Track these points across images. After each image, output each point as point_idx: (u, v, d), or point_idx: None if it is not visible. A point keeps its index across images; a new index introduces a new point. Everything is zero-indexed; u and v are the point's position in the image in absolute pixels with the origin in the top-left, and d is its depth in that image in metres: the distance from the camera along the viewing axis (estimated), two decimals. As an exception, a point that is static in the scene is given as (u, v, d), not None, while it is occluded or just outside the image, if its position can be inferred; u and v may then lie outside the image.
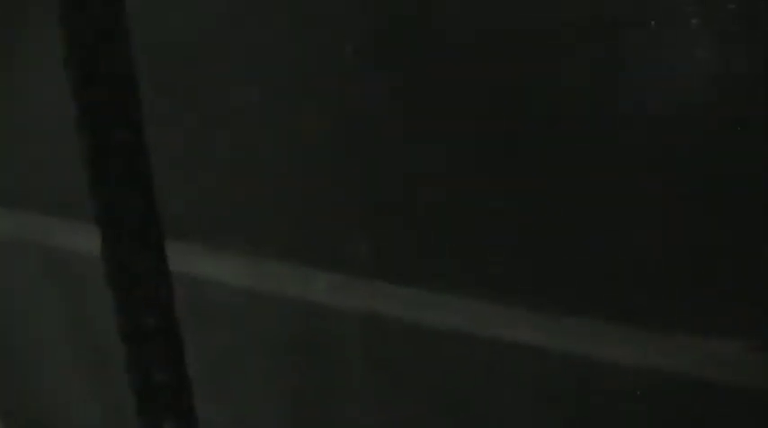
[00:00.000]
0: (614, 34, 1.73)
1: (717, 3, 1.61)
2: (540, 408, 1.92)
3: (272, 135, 2.21)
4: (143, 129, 0.90)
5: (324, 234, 2.19)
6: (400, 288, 2.09)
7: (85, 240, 2.59)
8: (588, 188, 1.82)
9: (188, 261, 2.33)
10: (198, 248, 2.35)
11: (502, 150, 1.91)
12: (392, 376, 2.13)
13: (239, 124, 2.25)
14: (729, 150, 1.67)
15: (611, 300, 1.84)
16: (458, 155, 1.96)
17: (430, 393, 2.08)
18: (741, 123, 1.64)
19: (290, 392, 2.33)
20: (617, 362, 1.83)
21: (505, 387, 1.96)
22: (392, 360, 2.12)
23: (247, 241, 2.31)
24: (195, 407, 1.05)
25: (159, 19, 2.26)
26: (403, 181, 2.05)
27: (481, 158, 1.94)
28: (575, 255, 1.87)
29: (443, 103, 1.95)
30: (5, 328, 3.03)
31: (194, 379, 2.41)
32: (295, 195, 2.22)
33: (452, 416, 2.05)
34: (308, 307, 2.21)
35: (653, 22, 1.68)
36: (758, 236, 1.68)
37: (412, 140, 2.01)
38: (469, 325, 1.98)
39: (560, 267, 1.88)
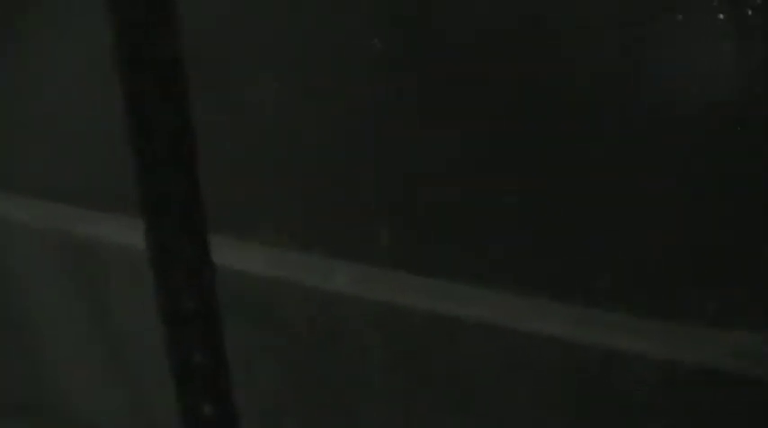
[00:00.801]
0: (624, 32, 1.74)
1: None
2: (561, 399, 1.93)
3: (297, 129, 2.22)
4: (190, 114, 0.92)
5: (345, 226, 2.20)
6: (421, 278, 2.09)
7: (108, 230, 2.62)
8: (615, 186, 1.83)
9: (213, 251, 2.34)
10: (223, 239, 2.36)
11: (525, 145, 1.91)
12: (412, 366, 2.13)
13: (263, 115, 2.26)
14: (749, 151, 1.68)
15: (634, 293, 1.85)
16: (480, 149, 1.97)
17: (450, 383, 2.09)
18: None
19: (310, 381, 2.33)
20: (638, 353, 1.83)
21: (527, 378, 1.96)
22: (413, 350, 2.12)
23: (271, 232, 2.32)
24: (233, 391, 1.07)
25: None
26: (424, 174, 2.05)
27: (505, 152, 1.94)
28: (598, 249, 1.87)
29: (464, 100, 1.95)
30: (27, 315, 3.04)
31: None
32: (317, 188, 2.23)
33: (473, 407, 2.06)
34: (330, 297, 2.21)
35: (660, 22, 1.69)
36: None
37: (434, 135, 2.02)
38: (491, 315, 1.98)
39: (584, 260, 1.89)
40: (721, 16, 1.64)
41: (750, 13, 1.61)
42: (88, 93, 2.58)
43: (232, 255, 2.29)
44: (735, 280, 1.76)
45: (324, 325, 2.24)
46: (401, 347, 2.14)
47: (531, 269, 1.96)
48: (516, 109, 1.91)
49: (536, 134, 1.89)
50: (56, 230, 2.78)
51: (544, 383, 1.94)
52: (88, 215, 2.72)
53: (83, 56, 2.57)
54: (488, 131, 1.95)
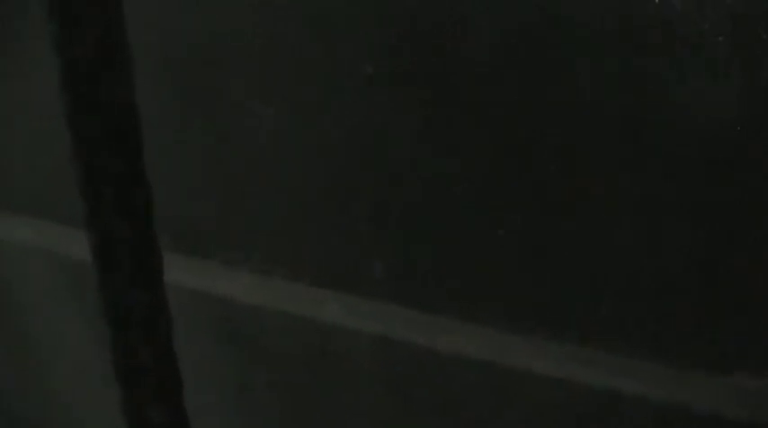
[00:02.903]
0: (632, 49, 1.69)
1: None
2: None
3: (288, 153, 2.18)
4: (142, 159, 0.86)
5: (338, 254, 2.16)
6: (414, 312, 2.06)
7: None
8: (614, 225, 1.79)
9: (204, 277, 2.32)
10: (214, 265, 2.33)
11: (522, 179, 1.87)
12: (403, 401, 2.10)
13: (255, 141, 2.22)
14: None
15: (631, 334, 1.80)
16: (476, 181, 1.93)
17: (442, 420, 2.05)
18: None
19: (300, 412, 2.30)
20: (636, 396, 1.80)
21: (520, 417, 1.93)
22: (404, 384, 2.09)
23: (261, 259, 2.28)
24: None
25: (176, 26, 2.23)
26: (419, 204, 2.01)
27: (501, 185, 1.90)
28: (595, 287, 1.83)
29: (460, 127, 1.91)
30: (23, 334, 3.02)
31: (208, 394, 2.39)
32: (310, 215, 2.19)
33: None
34: (321, 327, 2.18)
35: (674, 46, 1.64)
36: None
37: (428, 163, 1.98)
38: (484, 352, 1.95)
39: (580, 298, 1.85)
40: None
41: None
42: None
43: (220, 282, 2.26)
44: (737, 322, 1.72)
45: (313, 355, 2.21)
46: (392, 381, 2.11)
47: (526, 306, 1.92)
48: (515, 141, 1.87)
49: (534, 167, 1.85)
50: (50, 250, 2.75)
51: (537, 422, 1.90)
52: (82, 235, 2.68)
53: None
54: (485, 163, 1.91)
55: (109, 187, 0.85)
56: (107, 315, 0.95)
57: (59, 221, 2.75)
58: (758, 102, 1.60)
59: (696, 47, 1.62)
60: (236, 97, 2.21)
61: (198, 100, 2.25)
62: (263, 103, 2.14)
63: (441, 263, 2.01)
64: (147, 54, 2.22)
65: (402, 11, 1.91)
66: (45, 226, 2.82)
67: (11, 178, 2.89)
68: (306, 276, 2.21)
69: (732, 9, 1.57)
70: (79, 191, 0.87)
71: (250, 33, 2.11)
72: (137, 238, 0.88)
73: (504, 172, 1.89)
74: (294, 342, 2.23)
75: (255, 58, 2.15)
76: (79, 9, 0.80)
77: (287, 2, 2.05)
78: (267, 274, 2.26)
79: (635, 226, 1.77)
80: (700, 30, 1.61)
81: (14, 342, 3.04)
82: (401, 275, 2.07)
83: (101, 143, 0.83)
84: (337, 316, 2.14)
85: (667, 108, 1.67)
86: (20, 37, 2.66)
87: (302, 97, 2.12)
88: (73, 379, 2.92)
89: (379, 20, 1.93)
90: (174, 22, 2.22)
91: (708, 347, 1.74)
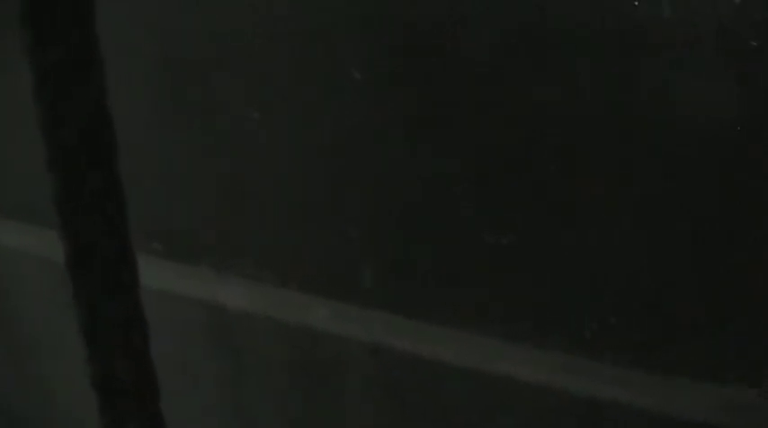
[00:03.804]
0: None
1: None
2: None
3: (279, 163, 2.18)
4: (116, 168, 0.85)
5: (328, 261, 2.15)
6: (403, 319, 2.05)
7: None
8: (605, 233, 1.78)
9: (195, 284, 2.31)
10: (204, 271, 2.32)
11: (513, 188, 1.86)
12: (392, 407, 2.09)
13: (247, 150, 2.21)
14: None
15: (624, 343, 1.79)
16: (466, 190, 1.92)
17: (430, 426, 2.04)
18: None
19: (291, 417, 2.29)
20: (627, 405, 1.78)
21: (507, 425, 1.91)
22: (393, 391, 2.08)
23: (252, 266, 2.27)
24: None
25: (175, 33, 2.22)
26: (409, 212, 2.01)
27: (492, 194, 1.89)
28: (585, 296, 1.82)
29: (450, 135, 1.90)
30: (21, 341, 3.02)
31: (199, 399, 2.38)
32: (300, 222, 2.19)
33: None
34: (311, 333, 2.17)
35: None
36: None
37: (420, 173, 1.97)
38: (472, 360, 1.93)
39: (572, 307, 1.84)
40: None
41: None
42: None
43: (211, 288, 2.25)
44: (729, 332, 1.71)
45: (303, 360, 2.20)
46: (380, 387, 2.10)
47: (516, 314, 1.91)
48: (506, 147, 1.86)
49: (525, 176, 1.84)
50: (47, 256, 2.74)
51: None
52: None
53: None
54: (475, 171, 1.90)
55: (83, 197, 0.84)
56: (81, 326, 0.94)
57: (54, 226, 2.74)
58: (755, 103, 1.59)
59: (691, 50, 1.61)
60: (229, 104, 2.21)
61: (191, 105, 2.25)
62: (256, 111, 2.14)
63: (429, 271, 2.00)
64: (144, 56, 2.21)
65: (400, 13, 1.90)
66: (41, 230, 2.81)
67: (6, 183, 2.89)
68: (295, 282, 2.20)
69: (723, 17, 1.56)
70: (53, 201, 0.86)
71: (249, 34, 2.10)
72: (111, 248, 0.87)
73: (493, 182, 1.89)
74: (283, 347, 2.22)
75: (250, 63, 2.14)
76: (52, 18, 0.79)
77: (286, 8, 2.05)
78: (257, 280, 2.25)
79: (630, 231, 1.76)
80: (693, 34, 1.60)
81: (14, 343, 3.04)
82: (390, 283, 2.06)
83: (75, 153, 0.82)
84: (326, 322, 2.13)
85: (667, 108, 1.66)
86: (12, 41, 2.65)
87: (293, 105, 2.11)
88: (73, 380, 2.90)
89: (377, 21, 1.92)
90: (174, 23, 2.21)
91: (702, 358, 1.73)
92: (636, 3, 1.61)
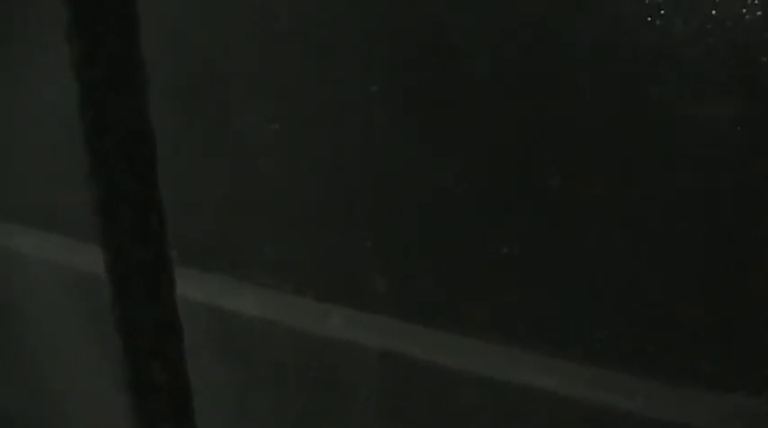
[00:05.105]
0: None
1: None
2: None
3: (292, 171, 2.19)
4: (156, 180, 0.87)
5: (341, 269, 2.16)
6: (415, 326, 2.06)
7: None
8: (614, 244, 1.79)
9: (208, 291, 2.32)
10: (218, 279, 2.34)
11: (525, 196, 1.88)
12: (403, 414, 2.10)
13: (259, 157, 2.23)
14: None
15: (632, 352, 1.80)
16: (478, 198, 1.94)
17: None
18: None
19: (302, 424, 2.30)
20: (635, 413, 1.79)
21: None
22: (404, 398, 2.09)
23: (265, 274, 2.29)
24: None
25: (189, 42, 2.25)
26: (422, 221, 2.02)
27: (503, 202, 1.91)
28: (597, 305, 1.83)
29: (462, 146, 1.92)
30: (32, 344, 3.02)
31: (213, 405, 2.39)
32: (313, 230, 2.20)
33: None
34: (323, 340, 2.18)
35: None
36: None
37: (432, 181, 1.98)
38: (484, 367, 1.94)
39: (582, 316, 1.85)
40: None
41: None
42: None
43: (225, 296, 2.27)
44: (735, 341, 1.72)
45: (315, 367, 2.21)
46: (392, 394, 2.11)
47: (527, 323, 1.92)
48: (516, 155, 1.88)
49: (536, 184, 1.86)
50: (56, 261, 2.75)
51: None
52: (88, 247, 2.68)
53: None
54: (486, 180, 1.92)
55: (124, 208, 0.87)
56: (120, 331, 0.96)
57: (64, 233, 2.76)
58: (757, 106, 1.61)
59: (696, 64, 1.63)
60: (242, 114, 2.22)
61: (205, 115, 2.27)
62: (268, 121, 2.16)
63: (441, 279, 2.01)
64: (152, 69, 2.23)
65: (402, 23, 1.92)
66: (50, 237, 2.82)
67: (19, 191, 2.90)
68: (309, 290, 2.21)
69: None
70: (94, 211, 0.89)
71: (261, 45, 2.12)
72: (150, 258, 0.89)
73: (505, 192, 1.90)
74: (296, 354, 2.23)
75: (259, 74, 2.16)
76: (99, 32, 0.82)
77: (289, 22, 2.06)
78: (271, 288, 2.26)
79: (636, 239, 1.77)
80: (700, 48, 1.62)
81: (14, 344, 3.04)
82: (402, 290, 2.07)
83: (117, 164, 0.85)
84: (339, 329, 2.14)
85: (671, 112, 1.68)
86: (25, 51, 2.67)
87: (306, 115, 2.13)
88: (72, 379, 2.91)
89: (379, 35, 1.94)
90: (182, 37, 2.23)
91: (708, 366, 1.74)
92: (649, 18, 1.63)
